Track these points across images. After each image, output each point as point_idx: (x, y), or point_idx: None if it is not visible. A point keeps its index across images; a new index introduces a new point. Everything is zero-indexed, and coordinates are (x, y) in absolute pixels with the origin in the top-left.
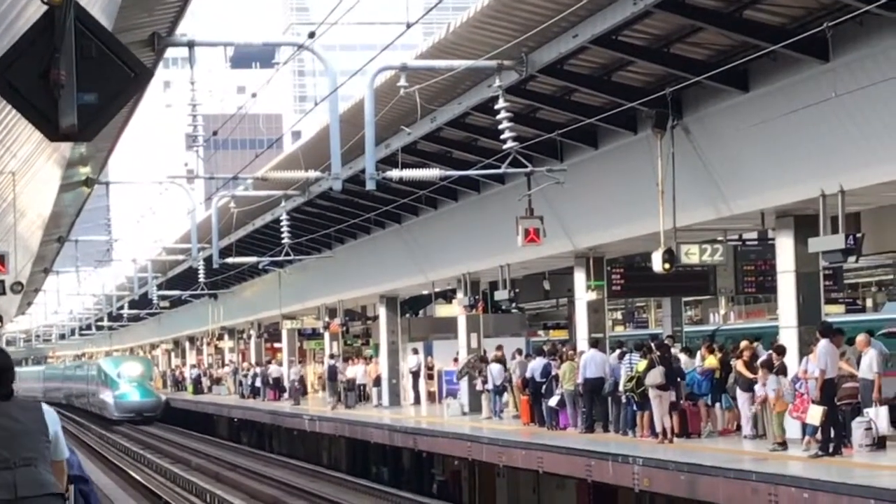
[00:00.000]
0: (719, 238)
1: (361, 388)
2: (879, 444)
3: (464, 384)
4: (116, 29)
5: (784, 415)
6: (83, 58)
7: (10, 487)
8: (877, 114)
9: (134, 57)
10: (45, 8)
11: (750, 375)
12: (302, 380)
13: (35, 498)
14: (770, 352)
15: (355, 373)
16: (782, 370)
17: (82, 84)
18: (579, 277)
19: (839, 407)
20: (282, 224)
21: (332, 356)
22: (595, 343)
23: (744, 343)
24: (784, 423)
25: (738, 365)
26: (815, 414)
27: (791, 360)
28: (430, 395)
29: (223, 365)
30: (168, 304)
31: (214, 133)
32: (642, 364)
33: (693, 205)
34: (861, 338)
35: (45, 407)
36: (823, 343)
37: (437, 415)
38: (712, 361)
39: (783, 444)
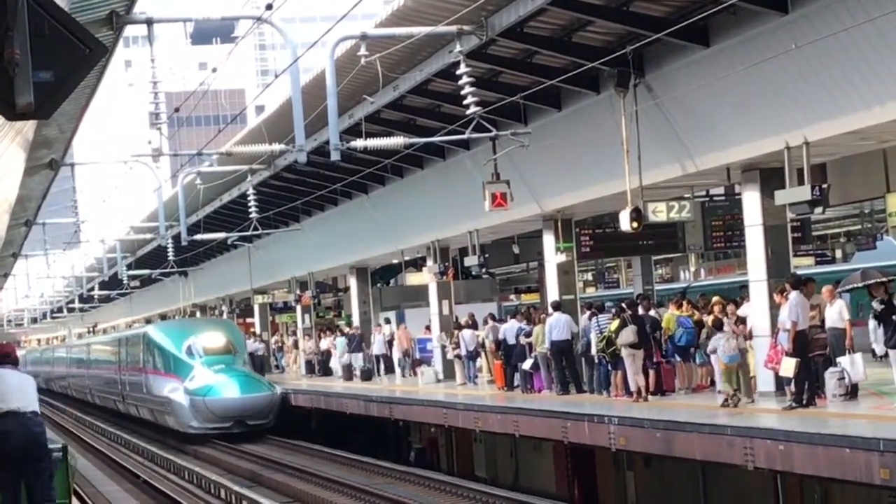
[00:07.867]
0: (686, 195)
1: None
2: (852, 393)
3: (437, 351)
4: (74, 8)
5: (732, 372)
6: (37, 35)
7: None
8: (837, 64)
9: (88, 33)
10: None
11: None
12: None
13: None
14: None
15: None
16: (718, 325)
17: (37, 62)
18: (548, 240)
19: (812, 358)
20: (249, 199)
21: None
22: (558, 306)
23: (715, 298)
24: (735, 378)
25: (710, 321)
26: (787, 366)
27: (762, 314)
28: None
29: None
30: (138, 283)
31: (176, 110)
32: (614, 324)
33: (659, 162)
34: (827, 288)
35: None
36: (794, 295)
37: (412, 383)
38: (670, 320)
39: (727, 402)
